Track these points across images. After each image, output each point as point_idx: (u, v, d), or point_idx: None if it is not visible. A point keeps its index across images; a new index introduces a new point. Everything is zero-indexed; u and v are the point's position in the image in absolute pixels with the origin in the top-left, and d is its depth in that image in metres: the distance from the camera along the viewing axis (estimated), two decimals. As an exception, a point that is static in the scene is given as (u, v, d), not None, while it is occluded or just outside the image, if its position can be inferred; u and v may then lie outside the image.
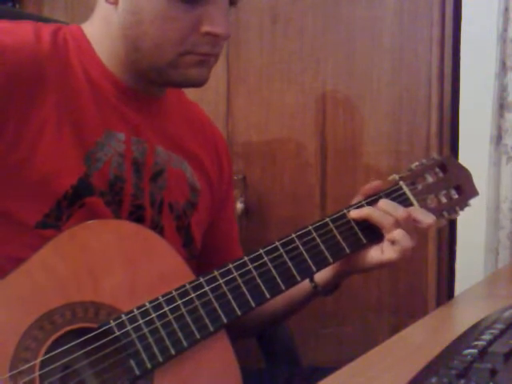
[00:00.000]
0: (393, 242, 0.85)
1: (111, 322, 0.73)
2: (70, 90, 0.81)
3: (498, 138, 1.53)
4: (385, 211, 0.86)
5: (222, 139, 1.04)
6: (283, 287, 0.81)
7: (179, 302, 0.75)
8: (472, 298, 0.98)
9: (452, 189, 0.96)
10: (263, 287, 0.79)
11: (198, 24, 0.80)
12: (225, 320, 0.77)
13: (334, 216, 0.87)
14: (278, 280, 0.81)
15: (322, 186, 1.78)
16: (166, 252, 0.80)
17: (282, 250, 0.82)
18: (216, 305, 0.77)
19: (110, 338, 0.73)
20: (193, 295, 0.76)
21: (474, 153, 1.56)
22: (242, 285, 0.78)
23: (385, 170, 1.67)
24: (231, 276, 0.78)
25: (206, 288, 0.77)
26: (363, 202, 0.89)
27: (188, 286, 0.77)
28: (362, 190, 0.91)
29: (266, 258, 0.81)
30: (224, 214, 1.02)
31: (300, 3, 1.77)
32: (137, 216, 0.85)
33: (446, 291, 1.67)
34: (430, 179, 0.95)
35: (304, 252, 0.83)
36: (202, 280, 0.77)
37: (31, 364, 0.70)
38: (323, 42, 1.75)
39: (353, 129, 1.74)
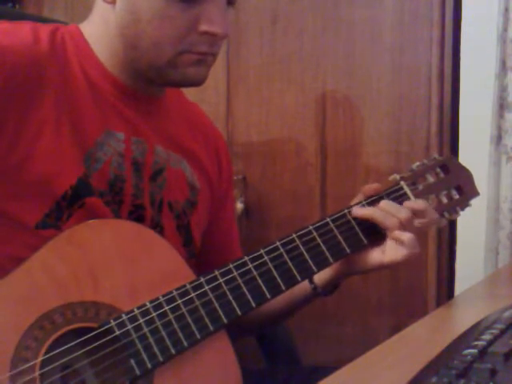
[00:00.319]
0: (401, 244, 0.85)
1: (111, 321, 0.73)
2: (68, 90, 0.81)
3: (498, 138, 1.53)
4: (387, 212, 0.86)
5: (221, 139, 1.04)
6: (283, 287, 0.81)
7: (179, 301, 0.75)
8: (472, 298, 0.98)
9: (453, 189, 0.96)
10: (264, 287, 0.79)
11: (195, 23, 0.80)
12: (225, 320, 0.77)
13: (335, 216, 0.87)
14: (279, 280, 0.81)
15: (322, 186, 1.78)
16: (166, 251, 0.80)
17: (282, 250, 0.82)
18: (216, 305, 0.77)
19: (111, 337, 0.73)
20: (193, 295, 0.76)
21: (474, 153, 1.56)
22: (242, 285, 0.78)
23: (385, 170, 1.67)
24: (231, 276, 0.78)
25: (207, 288, 0.77)
26: (364, 202, 0.89)
27: (188, 286, 0.77)
28: (363, 190, 0.91)
29: (266, 258, 0.81)
30: (223, 213, 1.02)
31: (300, 3, 1.77)
32: (137, 215, 0.85)
33: (446, 291, 1.67)
34: (430, 179, 0.95)
35: (304, 252, 0.83)
36: (202, 280, 0.77)
37: (31, 363, 0.70)
38: (323, 42, 1.75)
39: (353, 129, 1.74)
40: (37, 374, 0.70)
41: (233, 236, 1.05)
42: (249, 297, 0.78)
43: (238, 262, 0.79)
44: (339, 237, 0.86)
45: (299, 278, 0.82)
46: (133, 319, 0.74)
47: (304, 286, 0.93)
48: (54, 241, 0.74)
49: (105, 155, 0.82)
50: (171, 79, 0.84)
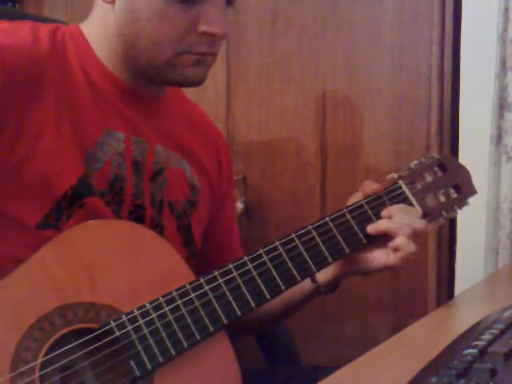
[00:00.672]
0: (396, 249, 0.85)
1: (111, 322, 0.73)
2: (68, 90, 0.81)
3: (498, 138, 1.53)
4: (402, 224, 0.86)
5: (221, 138, 1.04)
6: (283, 287, 0.81)
7: (179, 302, 0.75)
8: (472, 298, 0.98)
9: (451, 188, 0.96)
10: (263, 287, 0.79)
11: (194, 23, 0.80)
12: (225, 321, 0.77)
13: (334, 215, 0.87)
14: (278, 280, 0.81)
15: (322, 186, 1.78)
16: (167, 252, 0.80)
17: (281, 250, 0.82)
18: (216, 305, 0.77)
19: (111, 338, 0.73)
20: (193, 295, 0.76)
21: (474, 153, 1.56)
22: (242, 285, 0.78)
23: (385, 170, 1.67)
24: (231, 276, 0.78)
25: (206, 288, 0.77)
26: (363, 202, 0.89)
27: (188, 287, 0.76)
28: (362, 187, 0.91)
29: (265, 258, 0.81)
30: (223, 213, 1.02)
31: (300, 3, 1.77)
32: (137, 215, 0.85)
33: (446, 291, 1.67)
34: (428, 178, 0.95)
35: (304, 252, 0.83)
36: (202, 280, 0.77)
37: (31, 365, 0.70)
38: (323, 42, 1.75)
39: (353, 129, 1.74)
40: (37, 375, 0.70)
41: (233, 236, 1.05)
42: (248, 297, 0.78)
43: (238, 262, 0.79)
44: (338, 236, 0.85)
45: (299, 278, 0.82)
46: (133, 320, 0.74)
47: (304, 286, 0.93)
48: (54, 241, 0.74)
49: (105, 155, 0.82)
50: (170, 79, 0.84)
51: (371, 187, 0.90)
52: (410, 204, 0.91)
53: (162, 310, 0.75)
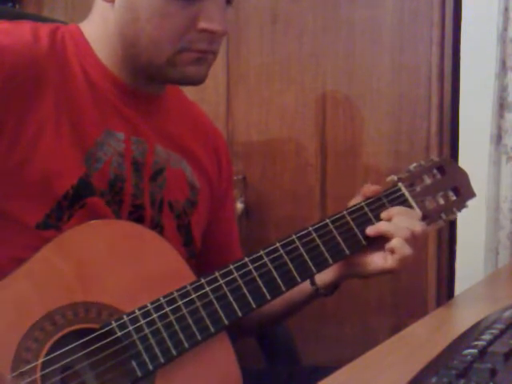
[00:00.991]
0: (392, 252, 0.85)
1: (113, 322, 0.73)
2: (68, 90, 0.81)
3: (498, 138, 1.53)
4: (401, 227, 0.86)
5: (221, 138, 1.04)
6: (284, 288, 0.81)
7: (180, 302, 0.76)
8: (472, 298, 0.98)
9: (450, 190, 0.96)
10: (264, 288, 0.80)
11: (194, 20, 0.80)
12: (226, 321, 0.77)
13: (334, 217, 0.87)
14: (279, 281, 0.81)
15: (322, 186, 1.78)
16: (167, 252, 0.80)
17: (282, 251, 0.82)
18: (217, 306, 0.77)
19: (112, 338, 0.73)
20: (194, 296, 0.76)
21: (474, 153, 1.56)
22: (242, 286, 0.79)
23: (384, 170, 1.67)
24: (232, 277, 0.79)
25: (207, 289, 0.77)
26: (362, 204, 0.89)
27: (189, 287, 0.77)
28: (362, 190, 0.91)
29: (266, 259, 0.81)
30: (223, 213, 1.02)
31: (300, 3, 1.77)
32: (137, 216, 0.85)
33: (446, 291, 1.67)
34: (427, 181, 0.95)
35: (304, 253, 0.83)
36: (203, 281, 0.78)
37: (32, 365, 0.70)
38: (323, 42, 1.75)
39: (353, 129, 1.74)
40: (38, 375, 0.70)
41: (233, 236, 1.05)
42: (249, 298, 0.78)
43: (239, 263, 0.80)
44: (338, 238, 0.86)
45: (299, 279, 0.82)
46: (134, 320, 0.74)
47: (304, 287, 0.93)
48: (55, 241, 0.74)
49: (105, 155, 0.82)
50: (171, 77, 0.84)
51: (370, 189, 0.90)
52: (410, 206, 0.91)
53: (163, 311, 0.75)
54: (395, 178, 0.93)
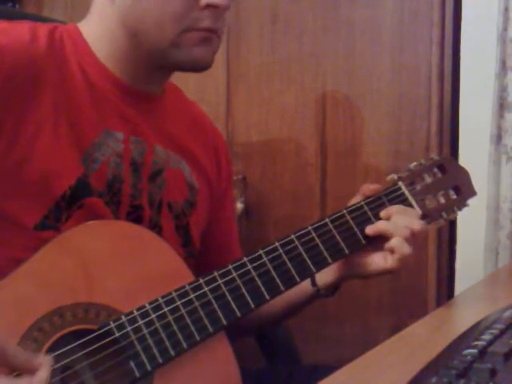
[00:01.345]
0: (391, 251, 0.85)
1: (111, 323, 0.73)
2: (67, 90, 0.81)
3: (498, 138, 1.53)
4: (400, 226, 0.85)
5: (221, 139, 1.04)
6: (283, 288, 0.81)
7: (178, 302, 0.75)
8: (472, 298, 0.98)
9: (450, 189, 0.96)
10: (263, 288, 0.79)
11: None
12: (224, 322, 0.77)
13: (334, 216, 0.87)
14: (278, 281, 0.80)
15: (322, 186, 1.77)
16: (166, 252, 0.80)
17: (281, 251, 0.82)
18: (216, 306, 0.77)
19: (110, 339, 0.73)
20: (192, 296, 0.76)
21: (474, 153, 1.56)
22: (241, 286, 0.78)
23: (384, 170, 1.67)
24: (230, 277, 0.78)
25: (206, 289, 0.77)
26: (362, 203, 0.89)
27: (188, 287, 0.76)
28: (361, 190, 0.91)
29: (265, 259, 0.81)
30: (223, 213, 1.02)
31: (300, 3, 1.77)
32: (135, 216, 0.85)
33: (446, 291, 1.67)
34: (428, 179, 0.95)
35: (303, 252, 0.83)
36: (201, 281, 0.77)
37: (31, 365, 0.70)
38: (323, 42, 1.75)
39: (353, 129, 1.74)
40: (37, 375, 0.70)
41: (232, 236, 1.05)
42: (248, 298, 0.78)
43: (237, 263, 0.79)
44: (338, 237, 0.85)
45: (298, 279, 0.82)
46: (132, 321, 0.73)
47: (304, 288, 0.93)
48: (53, 242, 0.74)
49: (103, 155, 0.82)
50: (176, 61, 0.83)
51: (370, 188, 0.90)
52: (410, 205, 0.91)
53: (162, 311, 0.75)
54: (395, 176, 0.92)
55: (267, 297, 0.80)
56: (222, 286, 0.78)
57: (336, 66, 1.74)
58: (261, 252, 0.81)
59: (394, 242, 0.84)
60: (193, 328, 0.75)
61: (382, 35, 1.69)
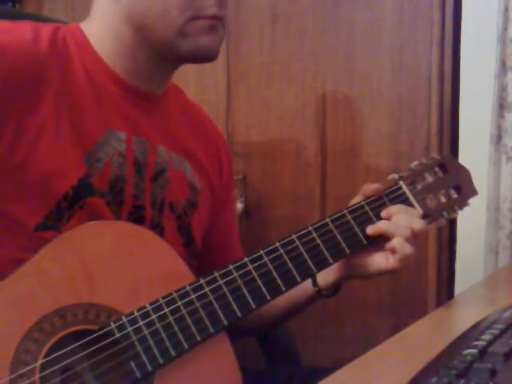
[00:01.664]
0: (393, 251, 0.85)
1: (111, 323, 0.73)
2: (70, 90, 0.81)
3: (498, 138, 1.53)
4: (401, 225, 0.85)
5: (222, 140, 1.04)
6: (283, 288, 0.81)
7: (179, 303, 0.75)
8: (472, 298, 0.98)
9: (451, 188, 0.95)
10: (263, 288, 0.79)
11: None
12: (225, 322, 0.77)
13: (334, 216, 0.86)
14: (279, 281, 0.80)
15: (322, 186, 1.77)
16: (167, 253, 0.80)
17: (282, 251, 0.82)
18: (216, 306, 0.77)
19: (111, 339, 0.73)
20: (193, 296, 0.76)
21: (474, 153, 1.56)
22: (242, 286, 0.78)
23: (384, 170, 1.67)
24: (231, 277, 0.78)
25: (207, 289, 0.77)
26: (363, 203, 0.89)
27: (188, 288, 0.76)
28: (362, 189, 0.91)
29: (266, 259, 0.81)
30: (224, 214, 1.02)
31: (300, 3, 1.77)
32: (137, 216, 0.85)
33: (446, 291, 1.67)
34: (429, 179, 0.94)
35: (304, 253, 0.83)
36: (202, 281, 0.77)
37: (31, 367, 0.70)
38: (323, 42, 1.75)
39: (353, 129, 1.74)
40: (37, 377, 0.70)
41: (233, 237, 1.05)
42: (249, 298, 0.78)
43: (238, 264, 0.79)
44: (339, 237, 0.85)
45: (299, 279, 0.82)
46: (133, 321, 0.73)
47: (305, 288, 0.93)
48: (54, 243, 0.74)
49: (106, 155, 0.82)
50: (183, 51, 0.83)
51: (371, 188, 0.90)
52: (411, 205, 0.90)
53: (162, 311, 0.75)
54: (396, 176, 0.92)
55: (268, 297, 0.80)
56: (223, 286, 0.78)
57: (336, 66, 1.75)
58: (261, 252, 0.81)
59: (394, 242, 0.84)
60: (194, 328, 0.75)
61: (382, 35, 1.69)
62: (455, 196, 0.95)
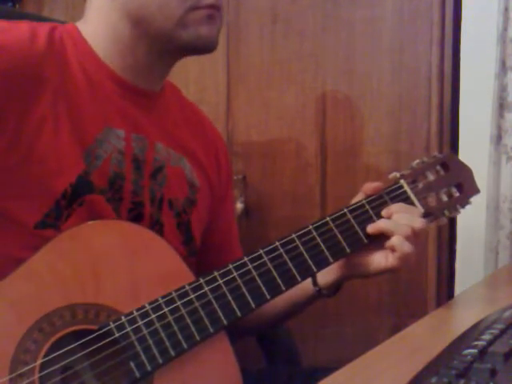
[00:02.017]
0: (392, 250, 0.85)
1: (111, 323, 0.73)
2: (68, 88, 0.81)
3: (498, 138, 1.53)
4: (401, 224, 0.85)
5: (220, 139, 1.04)
6: (283, 288, 0.81)
7: (179, 303, 0.75)
8: (472, 298, 0.98)
9: (453, 187, 0.95)
10: (263, 288, 0.79)
11: None
12: (225, 321, 0.76)
13: (335, 215, 0.86)
14: (279, 280, 0.80)
15: (322, 186, 1.77)
16: (166, 252, 0.79)
17: (281, 250, 0.81)
18: (216, 306, 0.76)
19: (110, 339, 0.72)
20: (192, 296, 0.76)
21: (473, 153, 1.56)
22: (242, 285, 0.78)
23: (385, 170, 1.67)
24: (231, 276, 0.78)
25: (206, 289, 0.77)
26: (364, 202, 0.88)
27: (188, 287, 0.76)
28: (363, 188, 0.91)
29: (265, 259, 0.80)
30: (223, 213, 1.02)
31: (300, 3, 1.77)
32: (136, 213, 0.85)
33: (446, 291, 1.67)
34: (430, 177, 0.94)
35: (304, 252, 0.83)
36: (201, 281, 0.77)
37: (31, 366, 0.70)
38: (323, 42, 1.75)
39: (353, 129, 1.74)
40: (36, 376, 0.70)
41: (232, 236, 1.05)
42: (249, 298, 0.78)
43: (238, 263, 0.79)
44: (339, 236, 0.85)
45: (299, 279, 0.82)
46: (132, 321, 0.73)
47: (305, 288, 0.93)
48: (54, 241, 0.74)
49: (105, 152, 0.82)
50: (183, 42, 0.83)
51: (371, 187, 0.89)
52: (412, 203, 0.90)
53: (162, 311, 0.74)
54: (397, 174, 0.92)
55: (268, 296, 0.79)
56: (223, 285, 0.77)
57: (336, 66, 1.74)
58: (261, 251, 0.81)
59: (394, 240, 0.84)
60: (193, 328, 0.75)
61: (381, 35, 1.69)
62: (457, 194, 0.95)
